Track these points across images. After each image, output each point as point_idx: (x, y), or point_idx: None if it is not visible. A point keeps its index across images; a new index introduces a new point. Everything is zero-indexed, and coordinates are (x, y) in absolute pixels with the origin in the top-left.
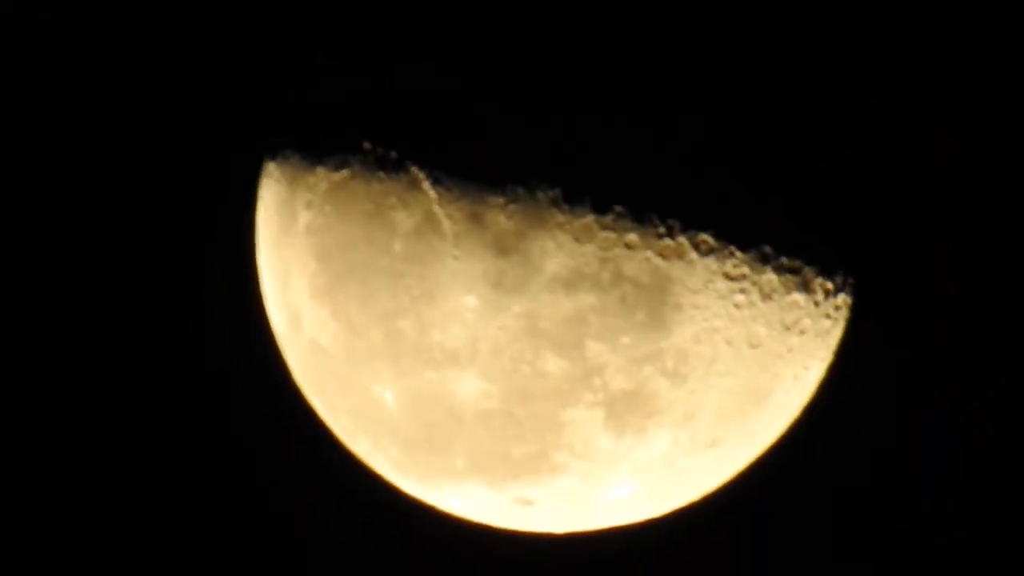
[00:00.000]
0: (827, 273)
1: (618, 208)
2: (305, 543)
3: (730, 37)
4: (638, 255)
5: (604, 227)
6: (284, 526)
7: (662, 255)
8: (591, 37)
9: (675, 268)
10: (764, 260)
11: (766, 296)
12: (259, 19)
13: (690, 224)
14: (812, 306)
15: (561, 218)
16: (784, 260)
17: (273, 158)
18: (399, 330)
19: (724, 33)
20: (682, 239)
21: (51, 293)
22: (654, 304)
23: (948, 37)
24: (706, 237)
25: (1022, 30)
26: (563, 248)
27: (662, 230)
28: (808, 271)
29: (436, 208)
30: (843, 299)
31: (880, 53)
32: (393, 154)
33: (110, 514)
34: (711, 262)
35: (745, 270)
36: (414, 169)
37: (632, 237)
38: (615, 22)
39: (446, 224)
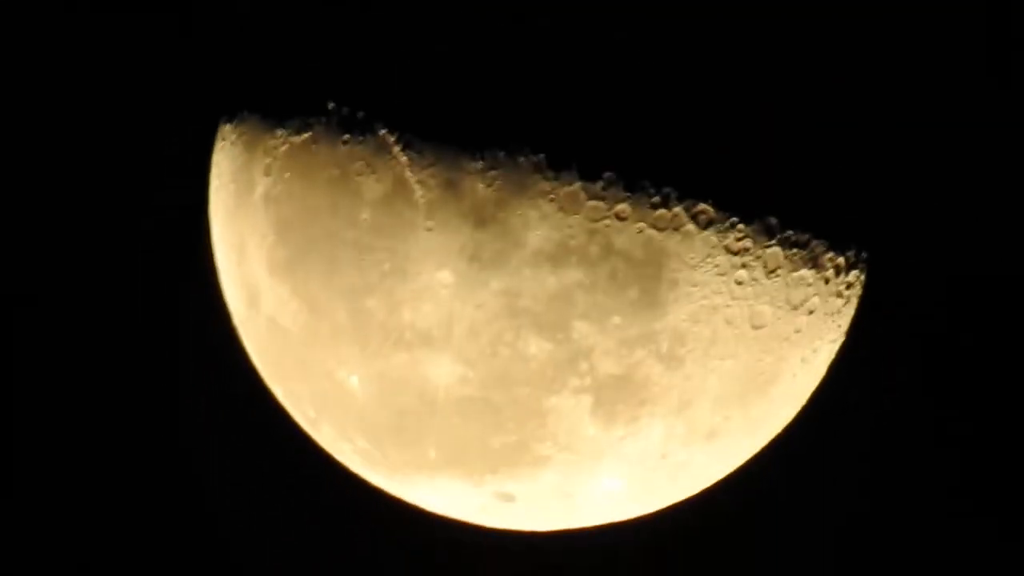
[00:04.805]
0: (838, 247)
1: (608, 175)
2: (264, 540)
3: None
4: (630, 227)
5: (593, 196)
6: (242, 521)
7: (656, 227)
8: None
9: (671, 241)
10: (769, 233)
11: (771, 272)
12: None
13: (688, 193)
14: (821, 283)
15: (545, 186)
16: (791, 233)
17: (229, 120)
18: (366, 309)
19: None
20: (679, 209)
21: None
22: (647, 281)
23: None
24: (705, 207)
25: None
26: (547, 219)
27: (657, 199)
28: (817, 245)
29: (407, 174)
30: (855, 276)
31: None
32: (360, 114)
33: (56, 517)
34: (711, 235)
35: (748, 244)
36: (383, 131)
37: (623, 207)
38: None
39: (418, 192)
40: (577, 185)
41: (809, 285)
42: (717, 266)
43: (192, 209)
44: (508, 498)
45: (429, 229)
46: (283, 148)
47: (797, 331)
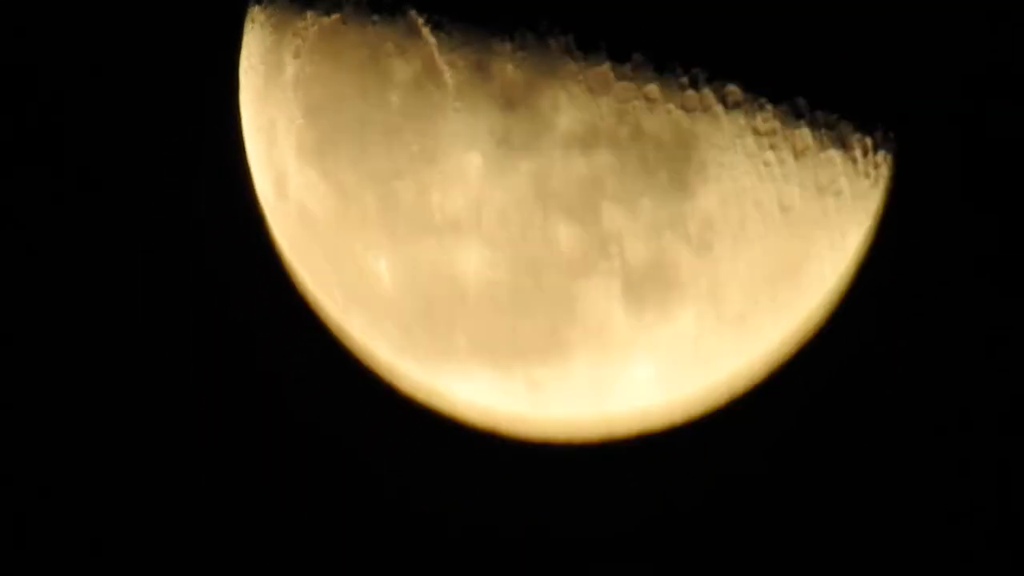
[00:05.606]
0: (866, 128)
1: (637, 56)
2: (294, 428)
3: None
4: (659, 109)
5: (622, 77)
6: (270, 409)
7: (685, 109)
8: None
9: (700, 123)
10: (797, 114)
11: (799, 154)
12: None
13: (716, 74)
14: (850, 165)
15: (574, 67)
16: (819, 114)
17: (258, 2)
18: (395, 192)
19: None
20: (707, 91)
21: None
22: (676, 163)
23: None
24: (734, 89)
25: None
26: (576, 101)
27: (685, 81)
28: (845, 126)
29: (436, 56)
30: (884, 157)
31: None
32: None
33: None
34: (739, 116)
35: (776, 125)
36: (412, 12)
37: (652, 89)
38: None
39: (447, 74)
40: (606, 67)
41: (837, 166)
42: (745, 148)
43: (222, 94)
44: (537, 385)
45: (458, 111)
46: (312, 30)
47: (825, 214)
